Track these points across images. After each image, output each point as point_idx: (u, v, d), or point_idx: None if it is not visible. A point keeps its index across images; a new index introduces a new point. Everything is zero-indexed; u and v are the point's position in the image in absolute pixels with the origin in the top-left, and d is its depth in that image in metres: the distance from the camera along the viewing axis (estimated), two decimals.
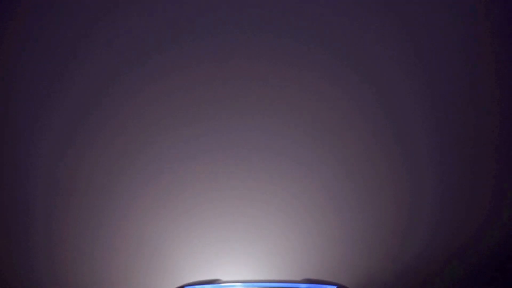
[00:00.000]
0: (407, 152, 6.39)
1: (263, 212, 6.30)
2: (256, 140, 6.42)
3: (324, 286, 4.39)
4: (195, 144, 6.41)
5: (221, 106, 6.45)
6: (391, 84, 6.46)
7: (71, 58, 6.42)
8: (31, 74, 6.40)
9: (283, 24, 6.46)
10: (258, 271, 6.10)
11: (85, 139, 6.34)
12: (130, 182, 6.31)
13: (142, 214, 6.30)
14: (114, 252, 6.24)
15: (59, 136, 6.38)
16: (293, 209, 6.34)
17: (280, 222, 6.31)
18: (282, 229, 6.30)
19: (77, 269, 6.20)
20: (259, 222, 6.30)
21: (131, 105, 6.41)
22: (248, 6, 6.44)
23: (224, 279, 4.88)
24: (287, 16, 6.44)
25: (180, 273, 6.08)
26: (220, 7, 6.43)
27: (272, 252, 6.26)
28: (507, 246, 6.30)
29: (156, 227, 6.28)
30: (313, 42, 6.44)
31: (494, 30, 6.42)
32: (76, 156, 6.32)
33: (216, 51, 6.43)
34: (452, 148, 6.40)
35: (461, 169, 6.38)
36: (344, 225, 6.34)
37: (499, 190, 6.35)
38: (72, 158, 6.32)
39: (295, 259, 6.25)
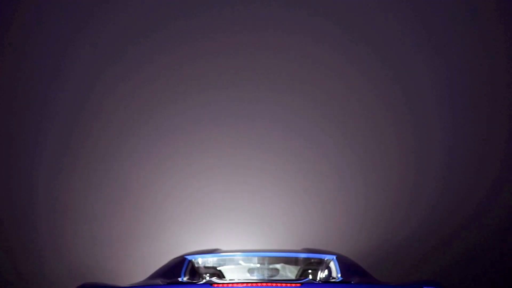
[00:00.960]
0: (416, 128, 6.36)
1: (265, 183, 6.30)
2: (261, 111, 6.42)
3: (324, 255, 4.34)
4: (200, 113, 6.42)
5: (231, 78, 6.45)
6: (410, 73, 6.44)
7: (66, 52, 6.48)
8: (28, 68, 6.48)
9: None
10: (258, 241, 6.10)
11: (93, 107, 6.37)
12: (134, 147, 6.33)
13: (144, 182, 6.32)
14: (116, 221, 6.27)
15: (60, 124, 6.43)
16: (295, 179, 6.34)
17: (281, 192, 6.30)
18: (283, 199, 6.29)
19: (79, 236, 6.25)
20: (260, 193, 6.30)
21: (131, 80, 6.44)
22: None
23: (224, 249, 4.90)
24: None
25: (180, 242, 6.09)
26: None
27: (272, 222, 6.25)
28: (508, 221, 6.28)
29: (156, 197, 6.30)
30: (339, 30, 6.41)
31: None
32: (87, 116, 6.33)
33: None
34: (463, 130, 6.37)
35: (467, 154, 6.39)
36: (346, 197, 6.34)
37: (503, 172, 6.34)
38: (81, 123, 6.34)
39: (296, 229, 6.24)
